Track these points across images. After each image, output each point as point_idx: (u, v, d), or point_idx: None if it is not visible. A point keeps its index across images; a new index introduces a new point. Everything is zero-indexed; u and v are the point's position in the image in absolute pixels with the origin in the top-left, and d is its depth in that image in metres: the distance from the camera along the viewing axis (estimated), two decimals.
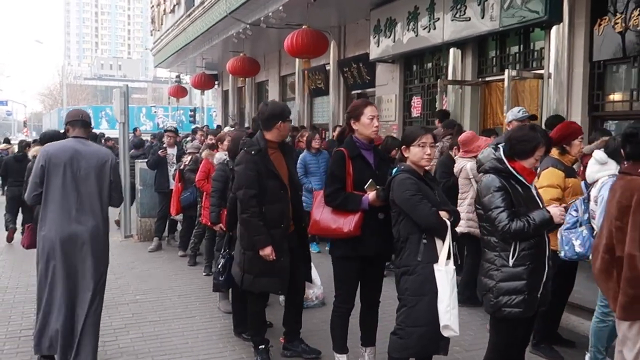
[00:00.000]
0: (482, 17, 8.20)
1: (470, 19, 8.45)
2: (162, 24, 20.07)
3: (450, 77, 9.35)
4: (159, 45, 20.82)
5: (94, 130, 23.54)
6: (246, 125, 18.50)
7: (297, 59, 15.04)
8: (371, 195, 3.60)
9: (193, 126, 40.64)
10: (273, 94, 17.87)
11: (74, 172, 4.01)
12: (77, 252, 4.04)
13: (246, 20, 12.78)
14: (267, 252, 4.02)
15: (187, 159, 7.80)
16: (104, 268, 4.27)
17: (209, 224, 5.73)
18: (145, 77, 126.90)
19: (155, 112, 42.49)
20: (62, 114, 50.65)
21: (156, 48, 21.62)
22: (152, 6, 21.90)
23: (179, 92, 24.13)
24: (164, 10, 19.33)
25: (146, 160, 8.68)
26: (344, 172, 3.66)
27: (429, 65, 10.62)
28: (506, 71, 7.71)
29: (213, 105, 52.04)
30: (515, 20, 7.66)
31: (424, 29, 9.51)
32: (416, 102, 10.79)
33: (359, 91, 13.09)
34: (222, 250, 4.94)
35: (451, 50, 9.29)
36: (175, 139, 8.64)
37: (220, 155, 5.58)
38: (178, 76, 31.72)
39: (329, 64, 13.59)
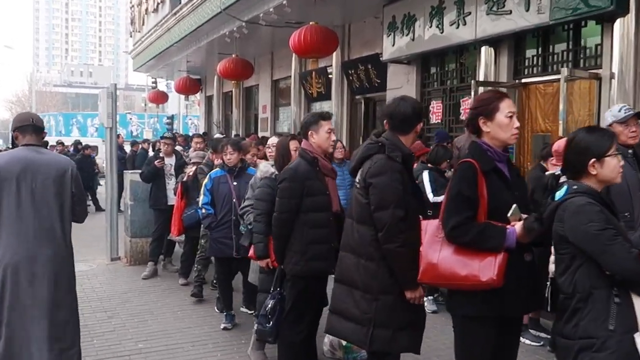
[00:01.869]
0: (527, 10, 7.19)
1: (511, 12, 7.44)
2: (143, 25, 18.79)
3: (481, 79, 8.31)
4: (139, 48, 19.49)
5: (61, 139, 22.25)
6: (234, 133, 17.31)
7: (293, 62, 14.00)
8: (518, 227, 2.49)
9: (165, 133, 39.44)
10: (264, 100, 16.70)
11: (29, 187, 3.48)
12: (38, 281, 3.47)
13: (242, 18, 11.64)
14: (420, 293, 2.96)
15: (190, 169, 6.62)
16: (71, 300, 3.69)
17: (255, 257, 4.32)
18: (117, 84, 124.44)
19: (130, 119, 40.87)
20: None
21: (135, 51, 20.29)
22: (132, 6, 20.58)
23: (159, 97, 22.80)
24: (146, 9, 18.06)
25: (139, 172, 7.44)
26: (476, 193, 2.54)
27: (452, 65, 9.59)
28: (562, 70, 6.70)
29: (188, 113, 50.71)
30: (569, 12, 6.66)
31: (451, 24, 8.48)
32: (436, 107, 9.75)
33: (366, 95, 12.02)
34: (272, 289, 3.83)
35: (483, 48, 8.27)
36: (173, 146, 7.45)
37: (267, 168, 4.39)
38: (154, 81, 30.41)
39: (330, 66, 12.49)
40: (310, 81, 13.64)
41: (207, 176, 5.35)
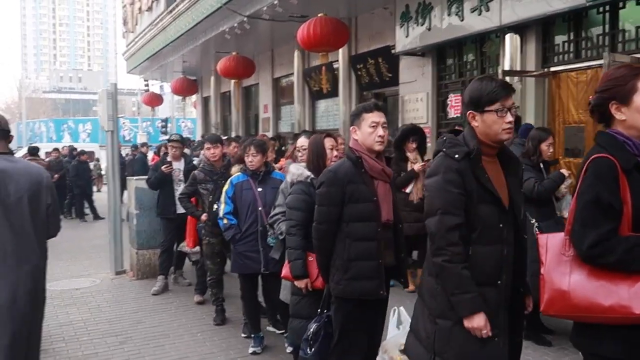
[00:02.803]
0: None
1: None
2: (136, 25, 18.15)
3: (506, 69, 7.77)
4: (133, 49, 18.87)
5: (55, 144, 21.50)
6: (234, 135, 16.71)
7: (295, 58, 13.46)
8: None
9: (161, 138, 38.69)
10: (265, 99, 16.11)
11: (1, 199, 3.18)
12: (19, 298, 3.17)
13: (243, 12, 11.06)
14: (479, 323, 2.35)
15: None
16: (40, 317, 3.40)
17: (291, 278, 3.64)
18: (116, 84, 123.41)
19: (123, 122, 40.17)
20: (20, 128, 48.04)
21: (129, 52, 19.65)
22: (124, 5, 19.93)
23: (154, 100, 22.13)
24: (139, 8, 17.43)
25: (144, 177, 6.83)
26: (619, 198, 1.97)
27: (471, 56, 9.04)
28: (604, 55, 6.15)
29: (181, 116, 49.99)
30: None
31: (473, 11, 7.93)
32: (454, 101, 9.20)
33: (375, 91, 11.45)
34: (319, 310, 3.26)
35: (507, 36, 7.73)
36: (182, 150, 6.82)
37: (299, 170, 3.72)
38: (147, 84, 29.73)
39: (337, 61, 11.91)
40: (315, 78, 13.07)
41: (228, 182, 4.72)
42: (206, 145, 5.43)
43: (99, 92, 7.48)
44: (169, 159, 6.73)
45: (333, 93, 12.56)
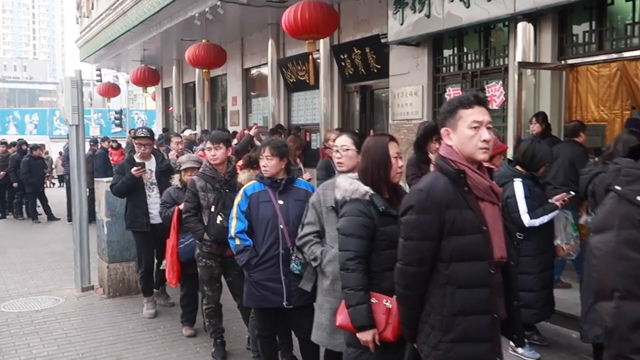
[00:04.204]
0: None
1: None
2: (92, 9, 16.83)
3: (519, 60, 7.09)
4: (88, 35, 17.53)
5: (4, 137, 19.94)
6: (201, 128, 15.69)
7: (269, 47, 12.56)
8: None
9: (114, 130, 36.93)
10: (234, 91, 15.11)
11: None
12: None
13: None
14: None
15: (175, 179, 5.08)
16: None
17: (351, 328, 2.74)
18: (53, 78, 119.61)
19: None
20: None
21: (83, 39, 18.29)
22: None
23: (110, 90, 20.78)
24: None
25: (111, 182, 5.74)
26: None
27: (473, 46, 8.34)
28: None
29: (134, 107, 48.21)
30: None
31: None
32: (453, 94, 8.48)
33: (361, 83, 10.66)
34: None
35: (520, 25, 7.05)
36: (152, 147, 5.78)
37: (355, 185, 2.79)
38: (99, 73, 28.21)
39: (317, 50, 11.05)
40: (292, 69, 12.18)
41: (241, 193, 3.80)
42: (207, 145, 4.43)
43: (61, 80, 6.45)
44: (137, 157, 5.70)
45: (312, 85, 11.70)
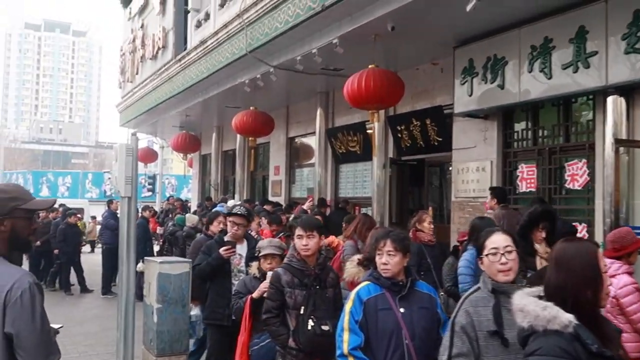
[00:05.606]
0: None
1: None
2: (137, 74, 16.76)
3: (608, 136, 6.43)
4: (130, 100, 17.43)
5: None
6: (237, 197, 15.14)
7: (318, 116, 12.11)
8: None
9: (144, 194, 36.76)
10: (277, 160, 14.66)
11: None
12: None
13: (270, 62, 9.73)
14: None
15: (253, 268, 4.40)
16: None
17: None
18: (86, 141, 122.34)
19: (109, 178, 38.39)
20: None
21: (125, 103, 18.21)
22: (123, 54, 18.57)
23: (149, 156, 20.55)
24: (142, 56, 16.08)
25: (176, 260, 5.12)
26: None
27: (551, 120, 7.72)
28: None
29: (165, 172, 48.32)
30: None
31: (565, 68, 6.62)
32: (527, 172, 7.81)
33: (419, 157, 10.07)
34: None
35: (610, 98, 6.43)
36: (246, 228, 5.12)
37: (551, 310, 1.96)
38: (134, 134, 28.24)
39: (368, 121, 10.53)
40: (342, 139, 11.67)
41: (353, 297, 3.03)
42: (297, 232, 3.74)
43: (116, 146, 5.91)
44: (227, 238, 5.07)
45: (364, 156, 11.16)
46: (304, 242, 3.69)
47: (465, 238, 5.45)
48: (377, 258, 3.08)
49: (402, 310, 3.01)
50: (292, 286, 3.67)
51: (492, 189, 7.50)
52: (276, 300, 3.68)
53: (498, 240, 2.65)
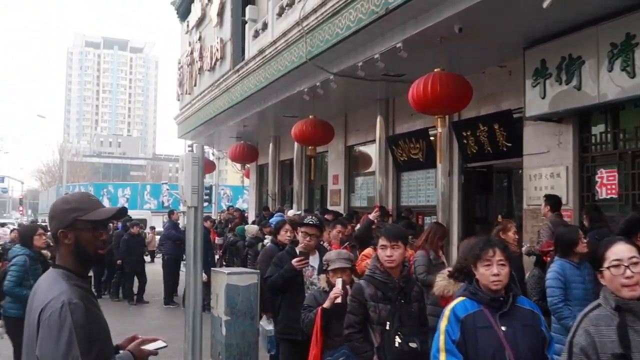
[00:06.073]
0: None
1: None
2: (195, 86, 16.92)
3: None
4: (188, 112, 17.59)
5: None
6: (295, 207, 15.00)
7: (377, 123, 11.86)
8: None
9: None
10: (335, 169, 14.46)
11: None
12: None
13: (330, 69, 9.55)
14: None
15: (322, 281, 4.16)
16: None
17: None
18: (144, 154, 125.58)
19: (168, 189, 39.19)
20: (60, 191, 47.36)
21: (183, 115, 18.40)
22: (181, 66, 18.79)
23: (208, 167, 20.69)
24: (200, 68, 16.21)
25: (242, 271, 4.96)
26: None
27: (633, 122, 7.26)
28: None
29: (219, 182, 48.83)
30: None
31: None
32: (607, 177, 7.36)
33: (486, 163, 9.70)
34: None
35: None
36: (319, 239, 4.86)
37: None
38: (191, 149, 28.61)
39: (433, 127, 10.21)
40: (403, 146, 11.39)
41: (448, 313, 2.77)
42: (381, 242, 3.50)
43: (182, 156, 5.85)
44: (299, 249, 4.88)
45: (427, 164, 10.84)
46: (388, 253, 3.44)
47: (551, 248, 5.10)
48: (483, 269, 2.79)
49: (503, 328, 2.73)
50: (375, 300, 3.43)
51: (546, 196, 7.32)
52: (359, 314, 3.44)
53: (621, 250, 2.36)
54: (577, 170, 7.71)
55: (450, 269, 3.66)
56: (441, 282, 3.28)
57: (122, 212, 2.49)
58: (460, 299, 2.85)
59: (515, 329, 2.73)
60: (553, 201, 7.14)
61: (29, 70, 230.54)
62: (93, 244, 2.27)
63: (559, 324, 4.58)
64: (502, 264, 2.75)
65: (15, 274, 5.98)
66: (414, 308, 3.42)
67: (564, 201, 7.66)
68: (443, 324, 2.79)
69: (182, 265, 12.66)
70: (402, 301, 3.37)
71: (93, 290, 2.38)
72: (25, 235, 6.41)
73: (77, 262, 2.25)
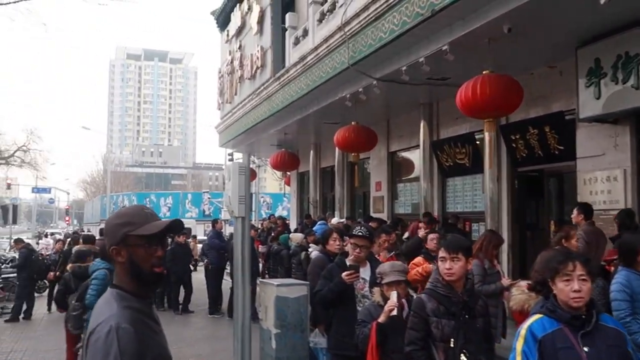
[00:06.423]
0: None
1: None
2: (235, 95, 16.95)
3: None
4: (229, 120, 17.63)
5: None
6: (338, 215, 14.84)
7: (421, 129, 11.62)
8: None
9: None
10: (378, 175, 14.27)
11: None
12: None
13: (373, 74, 9.39)
14: None
15: (376, 295, 3.98)
16: None
17: None
18: (185, 163, 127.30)
19: (209, 198, 39.55)
20: (104, 201, 48.29)
21: (224, 124, 18.45)
22: (221, 75, 18.88)
23: (250, 175, 20.73)
24: (240, 76, 16.24)
25: (316, 288, 4.73)
26: None
27: None
28: None
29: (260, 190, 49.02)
30: None
31: None
32: None
33: (536, 167, 9.38)
34: None
35: None
36: (369, 250, 4.66)
37: None
38: (231, 158, 28.81)
39: (480, 131, 9.95)
40: (448, 151, 11.14)
41: (524, 332, 2.55)
42: (440, 254, 3.31)
43: (228, 165, 5.79)
44: (349, 261, 4.73)
45: (473, 169, 10.57)
46: (447, 266, 3.25)
47: (615, 257, 4.81)
48: (562, 284, 2.58)
49: (586, 349, 2.51)
50: (438, 315, 3.22)
51: (579, 204, 7.14)
52: (421, 330, 3.25)
53: None
54: (636, 173, 7.38)
55: (528, 281, 3.44)
56: (520, 295, 3.07)
57: (176, 224, 2.26)
58: (537, 316, 2.64)
59: (600, 350, 2.51)
60: (587, 209, 6.93)
61: (73, 84, 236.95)
62: (147, 261, 2.12)
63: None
64: (584, 279, 2.54)
65: (96, 288, 6.05)
66: (478, 323, 3.22)
67: (621, 205, 7.33)
68: (519, 345, 2.58)
69: (225, 274, 12.65)
70: (467, 316, 3.17)
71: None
72: (105, 249, 6.42)
73: (132, 281, 2.12)
